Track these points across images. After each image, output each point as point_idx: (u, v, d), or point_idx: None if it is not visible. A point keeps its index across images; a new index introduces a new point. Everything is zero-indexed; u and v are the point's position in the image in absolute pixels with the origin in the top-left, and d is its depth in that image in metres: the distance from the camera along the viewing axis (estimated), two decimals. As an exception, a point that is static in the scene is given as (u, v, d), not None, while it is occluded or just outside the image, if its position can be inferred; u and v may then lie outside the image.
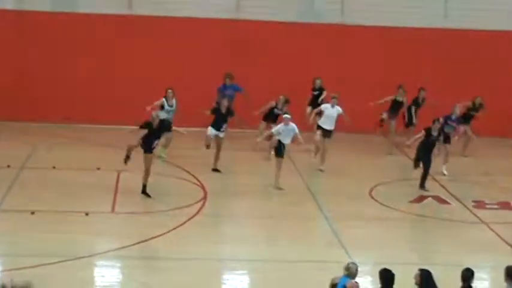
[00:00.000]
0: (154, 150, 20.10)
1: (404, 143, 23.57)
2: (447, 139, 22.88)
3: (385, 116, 24.99)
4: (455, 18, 27.36)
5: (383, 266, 12.42)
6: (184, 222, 18.09)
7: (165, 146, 22.71)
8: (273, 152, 21.30)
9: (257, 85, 26.43)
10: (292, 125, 20.99)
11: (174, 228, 17.64)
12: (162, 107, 23.06)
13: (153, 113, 20.43)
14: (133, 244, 16.64)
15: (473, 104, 25.20)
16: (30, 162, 22.24)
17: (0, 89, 26.36)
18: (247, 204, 19.96)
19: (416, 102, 25.38)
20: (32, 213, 18.06)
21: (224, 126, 22.25)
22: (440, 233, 18.85)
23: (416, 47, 27.35)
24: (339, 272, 12.69)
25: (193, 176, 21.60)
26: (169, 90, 23.21)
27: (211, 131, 22.20)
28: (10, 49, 26.52)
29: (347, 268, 12.54)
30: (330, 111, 22.75)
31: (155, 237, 17.10)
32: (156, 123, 19.86)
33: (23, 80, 26.59)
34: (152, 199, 19.50)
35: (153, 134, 19.74)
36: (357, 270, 12.53)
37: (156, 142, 19.91)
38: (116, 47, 26.73)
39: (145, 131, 19.73)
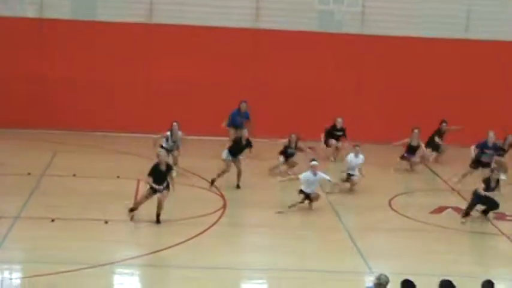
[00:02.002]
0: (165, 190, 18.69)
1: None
2: (486, 165, 22.35)
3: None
4: (476, 29, 27.31)
5: (402, 277, 12.36)
6: (203, 231, 18.09)
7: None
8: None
9: (277, 94, 26.46)
10: (320, 174, 20.18)
11: (193, 237, 17.64)
12: (166, 140, 22.45)
13: (159, 150, 19.36)
14: (152, 252, 16.66)
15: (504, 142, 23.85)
16: (50, 170, 22.33)
17: (20, 97, 26.55)
18: (266, 213, 19.89)
19: (439, 134, 25.20)
20: (52, 220, 18.13)
21: (241, 154, 21.75)
22: (460, 244, 18.75)
23: (436, 58, 27.30)
24: (357, 282, 12.65)
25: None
26: (175, 124, 22.36)
27: (227, 155, 21.65)
28: (31, 56, 26.66)
29: (378, 278, 12.46)
30: (354, 161, 21.98)
31: (174, 245, 17.10)
32: (162, 161, 18.53)
33: (43, 87, 26.71)
34: (171, 209, 19.50)
35: (160, 176, 18.49)
36: (387, 283, 12.43)
37: (164, 184, 18.51)
38: (136, 56, 26.82)
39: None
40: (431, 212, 20.57)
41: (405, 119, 25.19)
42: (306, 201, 20.11)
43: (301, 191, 20.07)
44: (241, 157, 21.90)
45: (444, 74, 27.30)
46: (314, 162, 20.23)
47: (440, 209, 20.80)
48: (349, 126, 25.05)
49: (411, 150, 24.48)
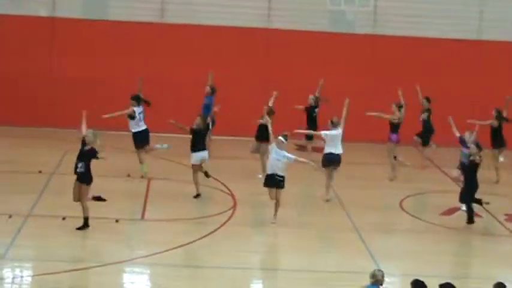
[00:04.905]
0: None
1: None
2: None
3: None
4: (488, 30, 27.24)
5: (412, 278, 12.34)
6: (214, 231, 18.10)
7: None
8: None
9: (288, 94, 26.41)
10: (283, 152, 18.40)
11: (203, 237, 17.66)
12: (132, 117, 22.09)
13: (87, 131, 18.31)
14: (163, 251, 16.66)
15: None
16: (61, 168, 22.36)
17: (32, 95, 26.63)
18: (277, 213, 19.89)
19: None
20: (63, 218, 18.16)
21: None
22: (471, 246, 18.72)
23: (448, 58, 27.24)
24: (367, 283, 12.62)
25: (223, 184, 21.59)
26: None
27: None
28: (43, 55, 26.74)
29: (373, 275, 12.43)
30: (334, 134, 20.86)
31: (184, 245, 17.12)
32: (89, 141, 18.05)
33: (55, 85, 26.78)
34: (181, 208, 19.50)
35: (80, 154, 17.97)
36: (383, 277, 12.39)
37: (80, 165, 17.94)
38: (147, 55, 26.86)
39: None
40: (442, 214, 20.51)
41: (417, 120, 25.04)
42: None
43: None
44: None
45: (456, 74, 27.23)
46: (280, 137, 18.50)
47: (451, 211, 20.75)
48: (361, 126, 24.99)
49: (394, 127, 23.14)
